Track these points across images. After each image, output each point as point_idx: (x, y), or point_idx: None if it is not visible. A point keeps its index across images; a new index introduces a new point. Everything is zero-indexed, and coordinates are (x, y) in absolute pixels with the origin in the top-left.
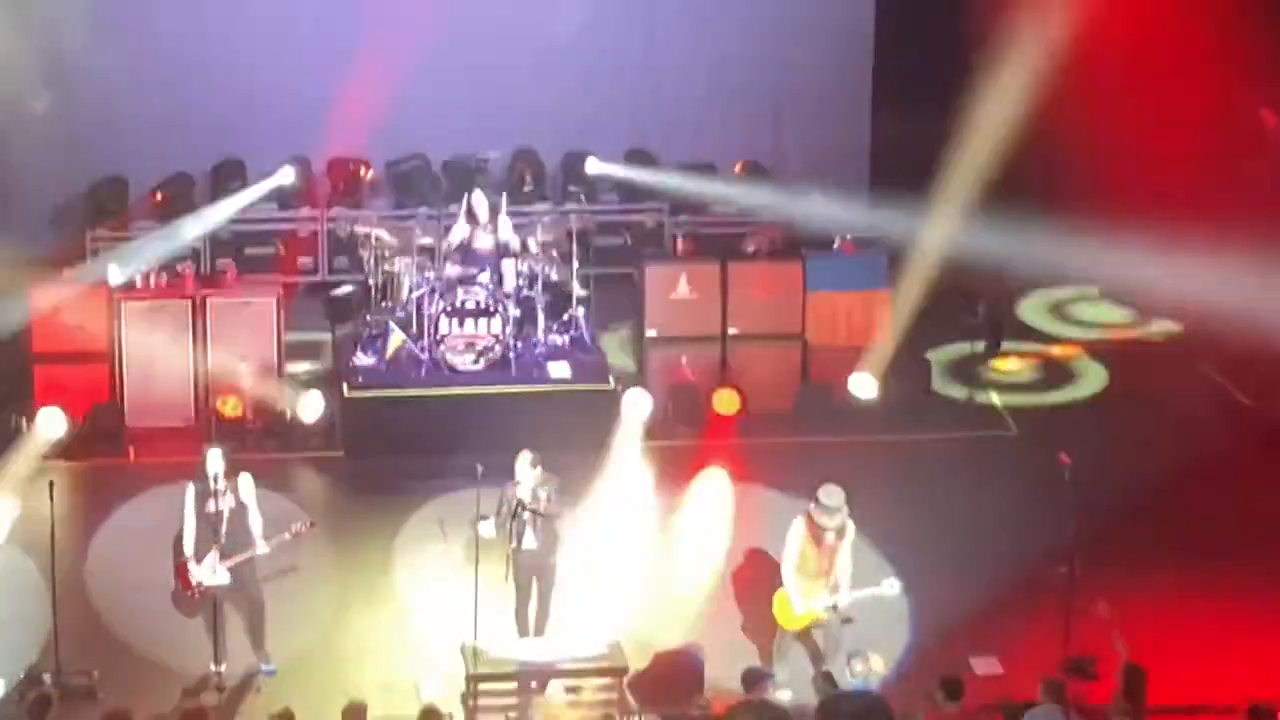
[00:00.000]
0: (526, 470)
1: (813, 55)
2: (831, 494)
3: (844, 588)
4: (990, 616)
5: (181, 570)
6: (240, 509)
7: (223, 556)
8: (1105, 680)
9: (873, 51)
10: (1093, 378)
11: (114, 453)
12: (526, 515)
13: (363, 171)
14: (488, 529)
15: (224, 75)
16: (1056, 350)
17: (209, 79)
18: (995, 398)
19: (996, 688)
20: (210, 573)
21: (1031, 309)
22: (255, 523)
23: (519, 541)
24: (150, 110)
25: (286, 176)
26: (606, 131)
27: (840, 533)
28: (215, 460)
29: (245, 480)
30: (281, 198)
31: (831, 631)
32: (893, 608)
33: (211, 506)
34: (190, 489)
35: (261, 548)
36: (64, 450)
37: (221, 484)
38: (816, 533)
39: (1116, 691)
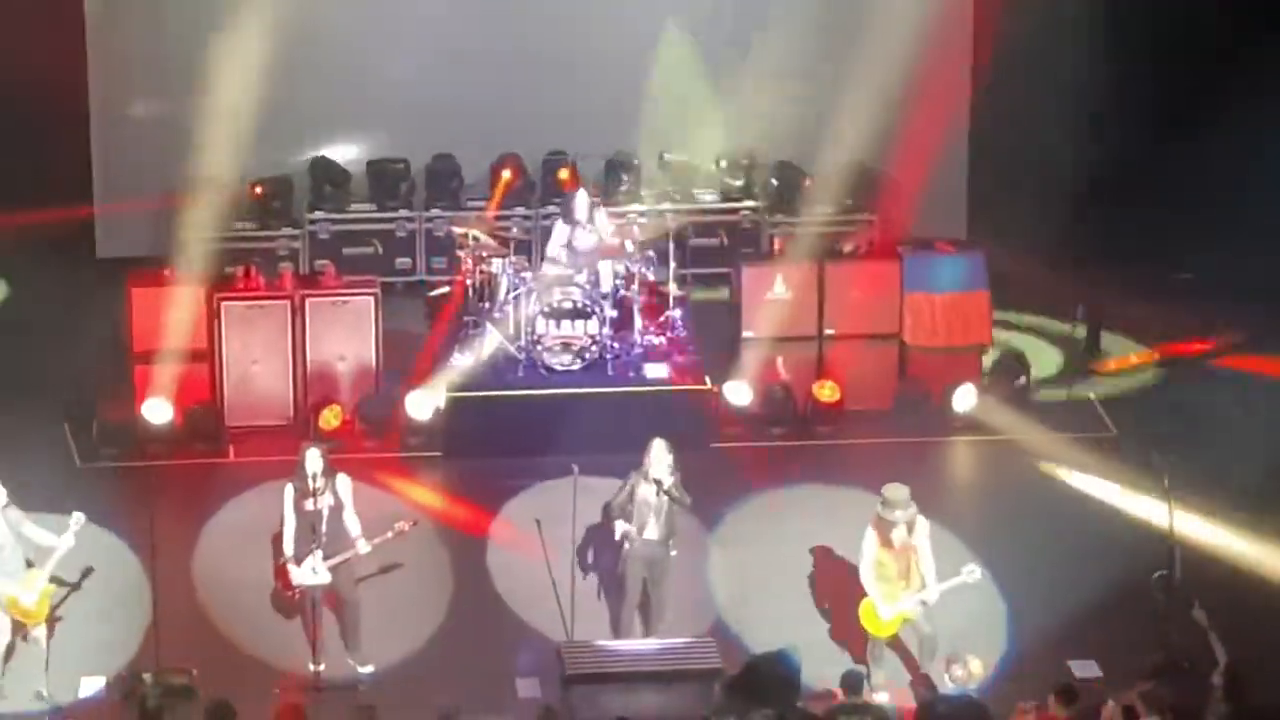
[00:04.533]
0: (662, 455)
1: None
2: (895, 489)
3: (930, 584)
4: (1088, 619)
5: (282, 571)
6: (339, 508)
7: (324, 557)
8: (1203, 682)
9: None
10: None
11: (214, 452)
12: (654, 502)
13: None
14: (623, 528)
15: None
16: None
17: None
18: (1093, 396)
19: (1095, 691)
20: (311, 573)
21: None
22: (353, 523)
23: (640, 532)
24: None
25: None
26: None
27: (910, 527)
28: (314, 460)
29: (343, 480)
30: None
31: (925, 633)
32: (991, 610)
33: (310, 505)
34: (289, 489)
35: (363, 547)
36: (164, 449)
37: (320, 483)
38: (886, 534)
39: (1216, 693)
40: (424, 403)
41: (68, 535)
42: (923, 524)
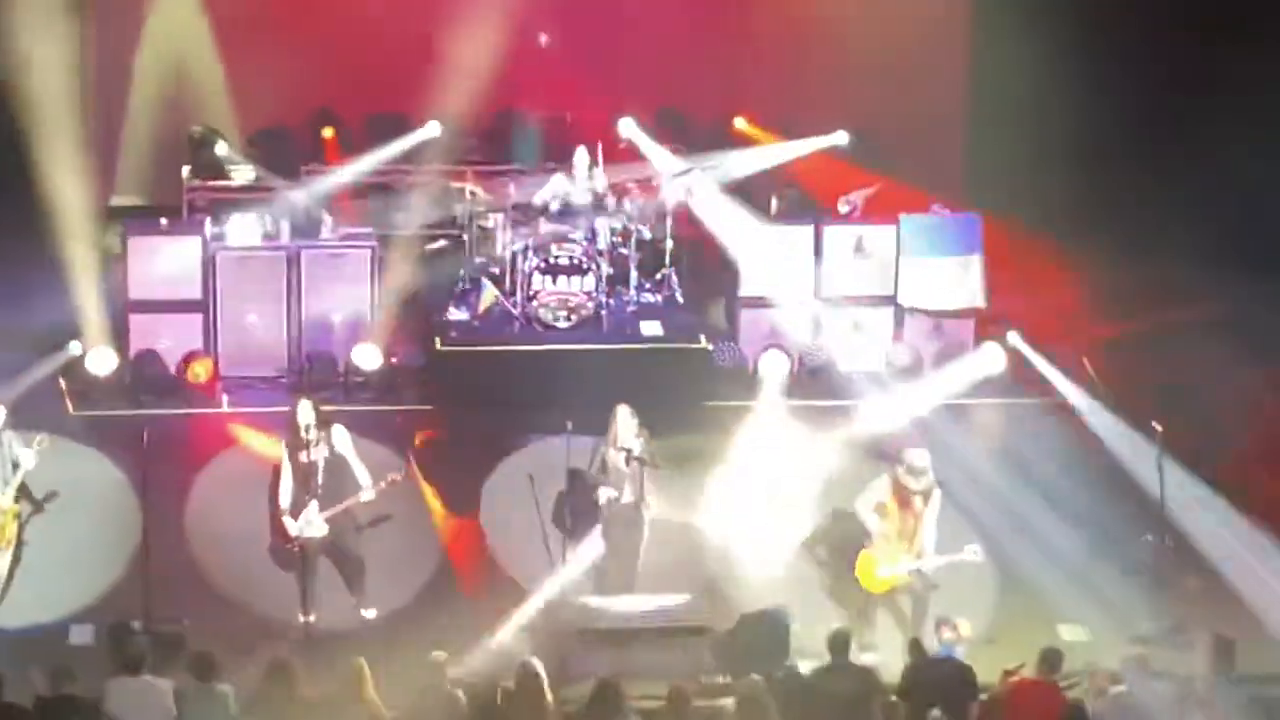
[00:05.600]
0: (627, 421)
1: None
2: (920, 455)
3: (929, 553)
4: (1078, 584)
5: (278, 524)
6: (335, 460)
7: (320, 508)
8: (1192, 651)
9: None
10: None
11: (207, 402)
12: (626, 467)
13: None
14: (607, 494)
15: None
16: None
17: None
18: (1089, 365)
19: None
20: (307, 525)
21: None
22: (360, 470)
23: (615, 496)
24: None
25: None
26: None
27: (926, 496)
28: (306, 411)
29: (340, 431)
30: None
31: (919, 596)
32: (981, 574)
33: (305, 458)
34: (284, 442)
35: (365, 495)
36: (157, 398)
37: (313, 434)
38: (904, 495)
39: (1205, 662)
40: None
41: (28, 454)
42: (936, 496)
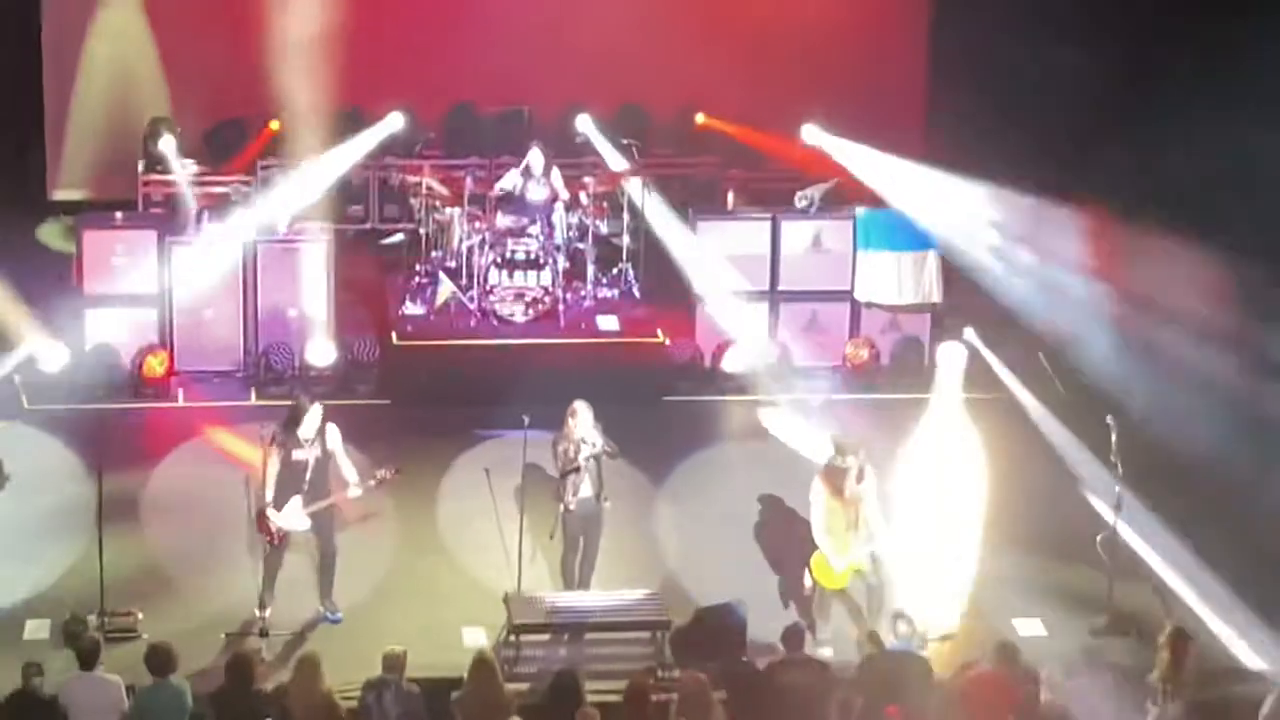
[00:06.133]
0: (584, 416)
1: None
2: (843, 436)
3: (879, 534)
4: (1034, 578)
5: (261, 516)
6: (325, 458)
7: (304, 503)
8: (1150, 645)
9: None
10: None
11: (162, 396)
12: (583, 462)
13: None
14: (575, 494)
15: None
16: None
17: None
18: (1044, 358)
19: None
20: (290, 518)
21: None
22: (348, 468)
23: (574, 492)
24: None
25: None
26: (659, 86)
27: (860, 476)
28: (315, 417)
29: (333, 430)
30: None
31: (873, 585)
32: (935, 567)
33: (299, 455)
34: (273, 438)
35: (353, 491)
36: (113, 392)
37: (313, 434)
38: (836, 483)
39: (1163, 657)
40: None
41: None
42: (870, 472)
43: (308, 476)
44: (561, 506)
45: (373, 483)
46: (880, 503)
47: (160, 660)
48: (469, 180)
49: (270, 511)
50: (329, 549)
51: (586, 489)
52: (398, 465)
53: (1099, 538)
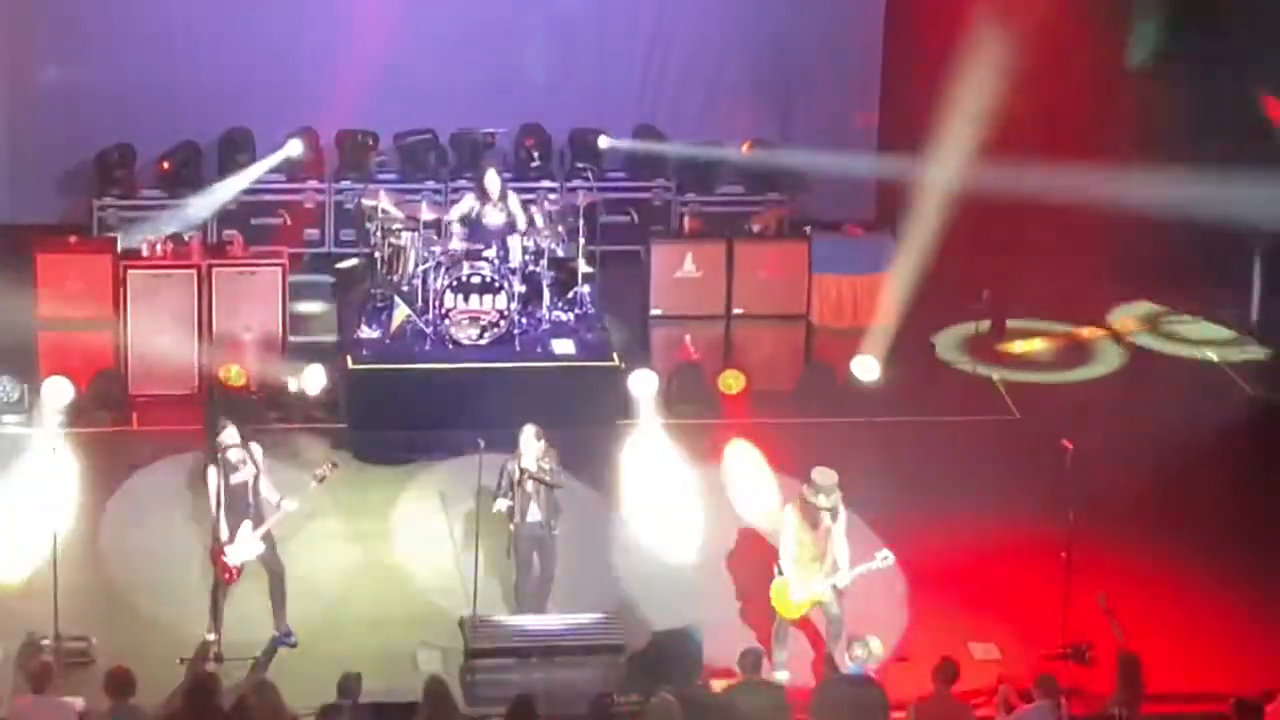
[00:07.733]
0: (531, 442)
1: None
2: (825, 474)
3: (843, 568)
4: (989, 601)
5: (218, 556)
6: (258, 476)
7: (253, 526)
8: (1103, 668)
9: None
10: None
11: (117, 420)
12: (531, 487)
13: (370, 143)
14: (504, 504)
15: (231, 44)
16: (1082, 332)
17: (216, 47)
18: (996, 378)
19: (995, 672)
20: (245, 549)
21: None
22: (269, 488)
23: (523, 515)
24: (157, 79)
25: (295, 149)
26: (615, 108)
27: (834, 514)
28: (232, 435)
29: (256, 448)
30: (290, 170)
31: (834, 614)
32: (893, 592)
33: (236, 478)
34: (211, 471)
35: (288, 505)
36: (67, 417)
37: (239, 454)
38: (812, 516)
39: (1116, 679)
40: (315, 377)
41: None
42: (843, 513)
43: (249, 499)
44: (511, 526)
45: (314, 484)
46: (845, 541)
47: (119, 684)
48: (425, 204)
49: (226, 549)
50: (276, 567)
51: (535, 513)
52: (333, 460)
53: (1056, 557)
